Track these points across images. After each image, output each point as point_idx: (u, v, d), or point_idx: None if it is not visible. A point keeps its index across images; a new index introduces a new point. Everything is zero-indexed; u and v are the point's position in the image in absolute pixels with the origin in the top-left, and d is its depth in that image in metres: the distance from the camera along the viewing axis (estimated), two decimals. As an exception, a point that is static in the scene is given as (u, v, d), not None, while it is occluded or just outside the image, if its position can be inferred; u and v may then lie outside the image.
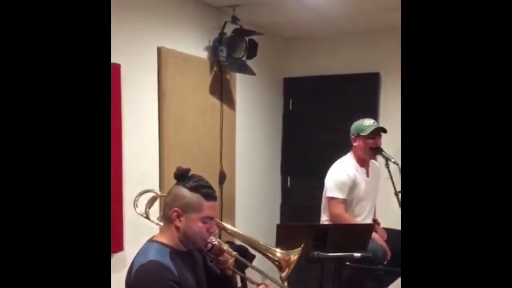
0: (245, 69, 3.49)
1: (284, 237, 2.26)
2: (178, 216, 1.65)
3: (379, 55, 3.97)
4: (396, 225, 2.76)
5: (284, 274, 1.72)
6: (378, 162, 3.16)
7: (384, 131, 2.95)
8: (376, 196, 3.16)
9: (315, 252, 1.96)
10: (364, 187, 2.95)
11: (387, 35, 3.91)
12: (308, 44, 4.26)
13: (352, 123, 3.06)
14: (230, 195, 3.63)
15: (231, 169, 3.63)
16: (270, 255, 1.74)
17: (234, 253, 1.73)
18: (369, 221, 3.02)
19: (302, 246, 1.75)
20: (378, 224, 3.11)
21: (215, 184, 3.35)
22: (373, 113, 3.88)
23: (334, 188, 2.89)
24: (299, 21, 3.77)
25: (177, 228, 1.66)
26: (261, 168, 4.14)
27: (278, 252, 1.75)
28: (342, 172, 2.91)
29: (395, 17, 3.54)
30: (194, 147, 3.21)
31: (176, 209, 1.65)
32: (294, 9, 3.45)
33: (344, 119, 3.19)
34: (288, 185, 4.40)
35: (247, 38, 3.42)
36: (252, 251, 2.12)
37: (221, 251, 1.74)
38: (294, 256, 1.72)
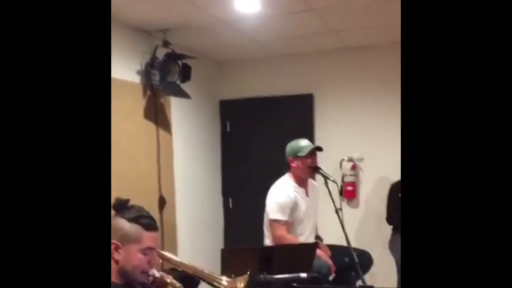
0: (180, 93, 3.45)
1: (230, 261, 2.21)
2: (117, 249, 1.57)
3: (311, 76, 4.11)
4: (339, 241, 2.81)
5: (231, 303, 1.67)
6: (317, 181, 3.22)
7: (320, 149, 3.01)
8: (317, 214, 3.21)
9: (262, 275, 1.93)
10: (305, 207, 2.98)
11: (319, 57, 4.06)
12: (243, 67, 4.31)
13: (288, 143, 3.10)
14: (171, 221, 3.53)
15: (171, 193, 3.54)
16: (217, 284, 1.69)
17: (179, 285, 1.66)
18: (311, 239, 3.05)
19: (248, 273, 1.71)
20: (321, 240, 3.15)
21: (154, 210, 3.25)
22: (309, 133, 3.98)
23: (275, 211, 2.89)
24: (232, 44, 3.80)
25: (116, 261, 1.57)
26: (201, 191, 4.08)
27: (224, 281, 1.70)
28: (282, 194, 2.92)
29: (326, 40, 3.72)
30: (131, 173, 3.10)
31: (114, 241, 1.57)
32: (226, 34, 3.48)
33: (281, 139, 3.22)
34: (230, 206, 4.37)
35: (180, 62, 3.39)
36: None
37: (164, 284, 1.66)
38: (241, 283, 1.68)
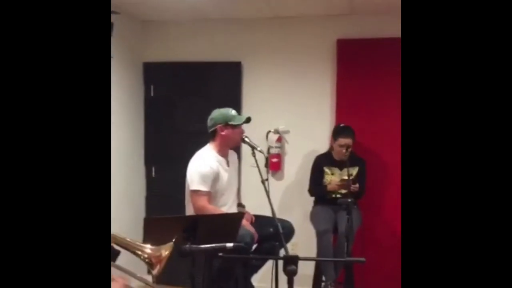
0: (101, 51, 3.19)
1: (152, 231, 2.12)
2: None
3: (241, 44, 4.01)
4: (264, 211, 2.81)
5: (155, 271, 1.59)
6: (243, 151, 3.19)
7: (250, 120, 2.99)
8: (237, 183, 3.20)
9: (187, 245, 1.86)
10: (227, 178, 2.95)
11: (249, 25, 3.97)
12: (169, 28, 4.10)
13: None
14: (88, 189, 3.31)
15: (88, 160, 3.31)
16: (140, 253, 1.60)
17: (98, 254, 1.54)
18: (234, 209, 3.03)
19: (173, 240, 1.64)
20: (243, 207, 3.15)
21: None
22: (236, 102, 3.92)
23: (196, 181, 2.82)
24: (159, 3, 3.58)
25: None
26: (123, 158, 3.88)
27: (148, 249, 1.61)
28: (204, 164, 2.85)
29: (257, 7, 3.62)
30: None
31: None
32: (153, -10, 3.26)
33: (207, 107, 3.13)
34: (153, 176, 4.21)
35: (101, 17, 3.12)
36: (117, 247, 1.93)
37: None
38: (165, 251, 1.60)
